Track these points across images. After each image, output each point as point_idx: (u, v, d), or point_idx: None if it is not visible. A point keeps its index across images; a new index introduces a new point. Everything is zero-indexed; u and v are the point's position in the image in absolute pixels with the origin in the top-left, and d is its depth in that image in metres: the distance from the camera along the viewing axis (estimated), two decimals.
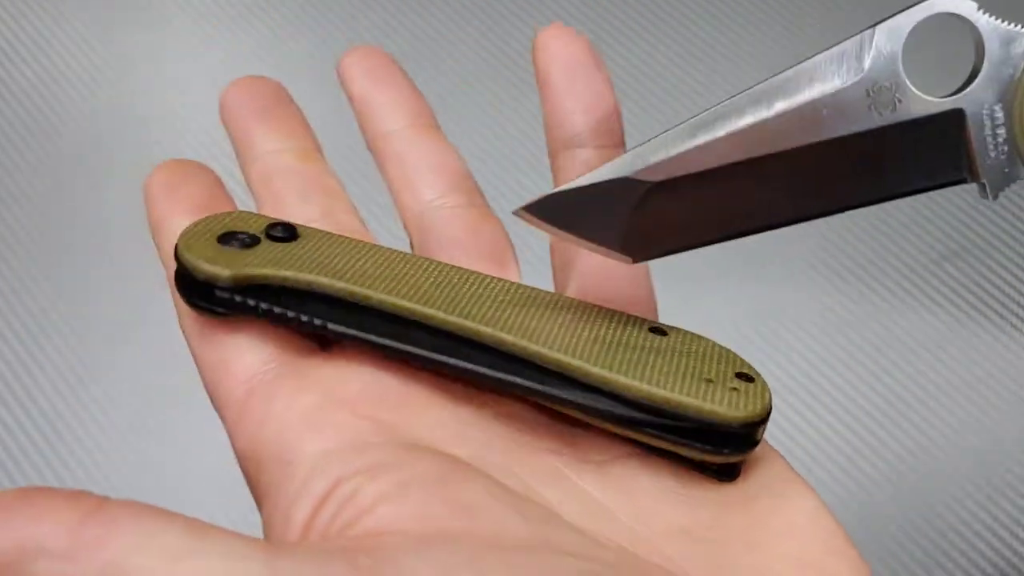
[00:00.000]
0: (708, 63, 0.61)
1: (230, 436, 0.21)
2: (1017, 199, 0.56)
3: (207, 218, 0.24)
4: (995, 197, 0.21)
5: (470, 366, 0.21)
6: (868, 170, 0.21)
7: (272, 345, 0.22)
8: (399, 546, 0.17)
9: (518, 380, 0.21)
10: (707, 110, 0.21)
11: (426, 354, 0.21)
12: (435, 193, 0.26)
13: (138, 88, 0.60)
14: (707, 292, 0.52)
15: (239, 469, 0.22)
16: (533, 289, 0.24)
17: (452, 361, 0.21)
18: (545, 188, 0.22)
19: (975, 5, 0.20)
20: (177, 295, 0.23)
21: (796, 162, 0.21)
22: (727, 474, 0.21)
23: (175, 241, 0.23)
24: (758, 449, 0.21)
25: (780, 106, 0.21)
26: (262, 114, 0.27)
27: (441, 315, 0.21)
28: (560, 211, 0.22)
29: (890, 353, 0.51)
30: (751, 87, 0.21)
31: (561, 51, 0.26)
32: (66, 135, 0.58)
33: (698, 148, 0.21)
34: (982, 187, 0.21)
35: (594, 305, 0.23)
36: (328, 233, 0.24)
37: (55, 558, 0.14)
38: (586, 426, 0.21)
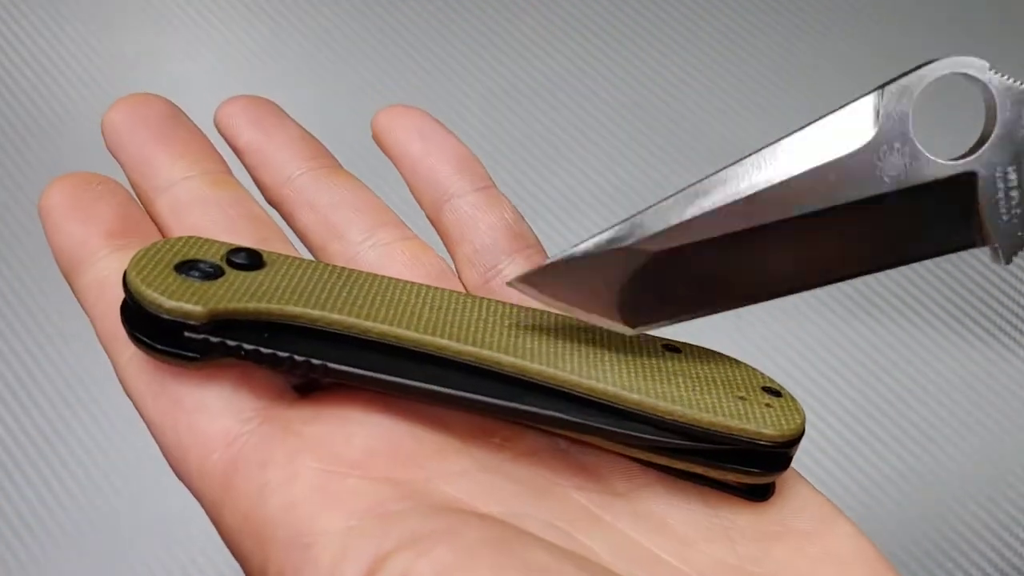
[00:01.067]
0: (712, 68, 0.61)
1: (211, 511, 0.19)
2: None
3: (154, 245, 0.20)
4: (1008, 261, 0.20)
5: (492, 400, 0.19)
6: (876, 236, 0.20)
7: (247, 396, 0.19)
8: None
9: (547, 412, 0.19)
10: (709, 176, 0.20)
11: (441, 390, 0.19)
12: (364, 233, 0.24)
13: (138, 88, 0.60)
14: None
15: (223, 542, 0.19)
16: (524, 308, 0.22)
17: (472, 396, 0.19)
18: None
19: (987, 64, 0.19)
20: (117, 347, 0.20)
21: (801, 230, 0.20)
22: (759, 495, 0.20)
23: (97, 276, 0.20)
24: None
25: (785, 172, 0.20)
26: (161, 137, 0.24)
27: (455, 345, 0.19)
28: (556, 281, 0.20)
29: (890, 354, 0.51)
30: (754, 151, 0.20)
31: (406, 122, 0.26)
32: (66, 135, 0.58)
33: (700, 216, 0.20)
34: (995, 251, 0.20)
35: None
36: (293, 257, 0.22)
37: None
38: (604, 453, 0.20)
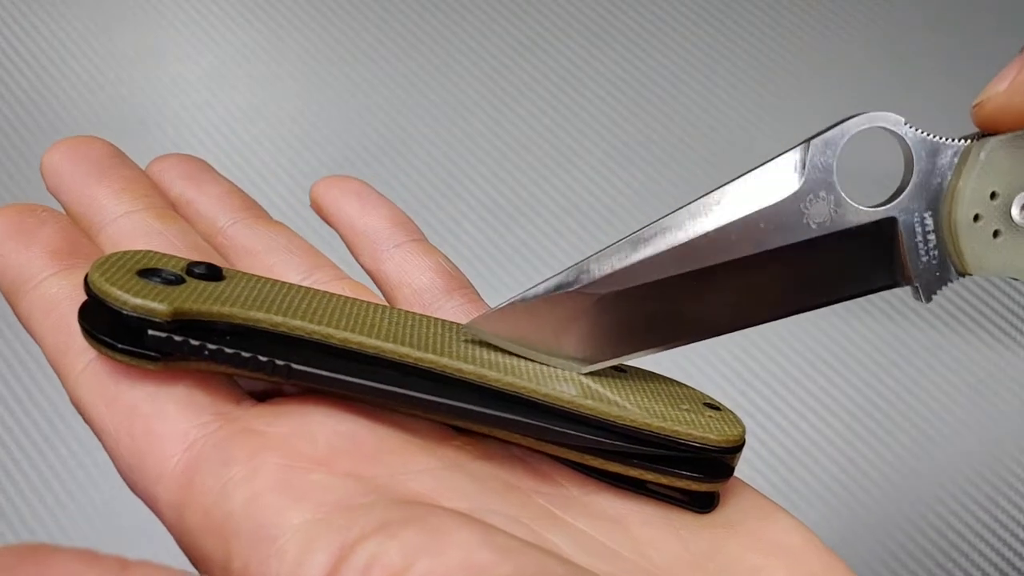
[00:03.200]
0: (712, 68, 0.61)
1: (169, 515, 0.19)
2: None
3: (115, 254, 0.20)
4: (928, 299, 0.21)
5: (453, 403, 0.20)
6: (808, 278, 0.22)
7: (205, 402, 0.19)
8: None
9: (508, 416, 0.20)
10: (650, 224, 0.22)
11: (403, 392, 0.20)
12: (302, 274, 0.25)
13: (138, 88, 0.60)
14: None
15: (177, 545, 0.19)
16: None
17: (433, 399, 0.20)
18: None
19: (903, 120, 0.21)
20: (68, 361, 0.20)
21: (736, 273, 0.21)
22: (704, 505, 0.21)
23: (45, 293, 0.20)
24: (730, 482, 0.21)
25: (719, 220, 0.21)
26: (103, 176, 0.24)
27: (415, 352, 0.20)
28: (508, 324, 0.22)
29: (890, 354, 0.51)
30: (691, 201, 0.21)
31: (343, 187, 0.27)
32: (66, 135, 0.58)
33: (641, 261, 0.21)
34: (915, 290, 0.22)
35: None
36: (252, 274, 0.22)
37: None
38: (557, 462, 0.21)
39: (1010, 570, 0.45)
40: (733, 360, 0.50)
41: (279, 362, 0.19)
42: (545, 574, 0.17)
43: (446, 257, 0.26)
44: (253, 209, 0.26)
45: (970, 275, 0.21)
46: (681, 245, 0.21)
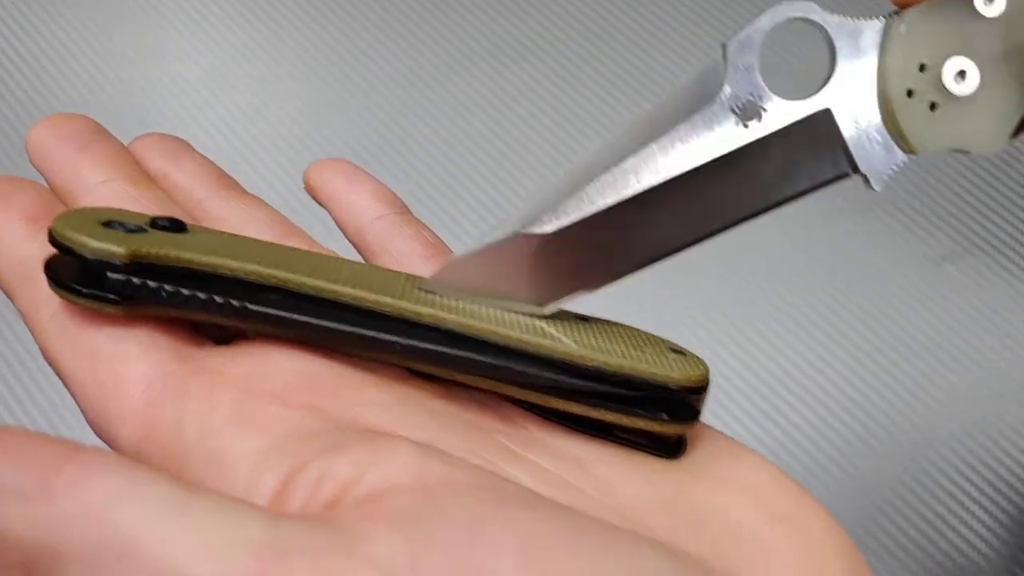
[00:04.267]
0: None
1: (129, 451, 0.19)
2: (1018, 200, 0.56)
3: (80, 208, 0.21)
4: (880, 187, 0.21)
5: (413, 343, 0.20)
6: (752, 183, 0.21)
7: (166, 345, 0.19)
8: (408, 504, 0.16)
9: (467, 355, 0.20)
10: (584, 155, 0.22)
11: (362, 332, 0.20)
12: (278, 242, 0.25)
13: (138, 88, 0.60)
14: (721, 301, 0.52)
15: None
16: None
17: (392, 339, 0.20)
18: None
19: (816, 6, 0.21)
20: (37, 313, 0.20)
21: (680, 190, 0.21)
22: (671, 451, 0.21)
23: (20, 254, 0.21)
24: (697, 429, 0.21)
25: (649, 139, 0.21)
26: (83, 148, 0.25)
27: (372, 296, 0.20)
28: (465, 273, 0.22)
29: (890, 353, 0.51)
30: (625, 126, 0.21)
31: (330, 167, 0.28)
32: None
33: (584, 193, 0.21)
34: (865, 179, 0.21)
35: None
36: (217, 230, 0.22)
37: (27, 499, 0.13)
38: (520, 406, 0.21)
39: (1004, 517, 0.45)
40: (728, 324, 0.50)
41: (235, 302, 0.19)
42: (496, 487, 0.17)
43: (429, 229, 0.27)
44: (229, 184, 0.27)
45: (916, 154, 0.21)
46: (617, 170, 0.21)
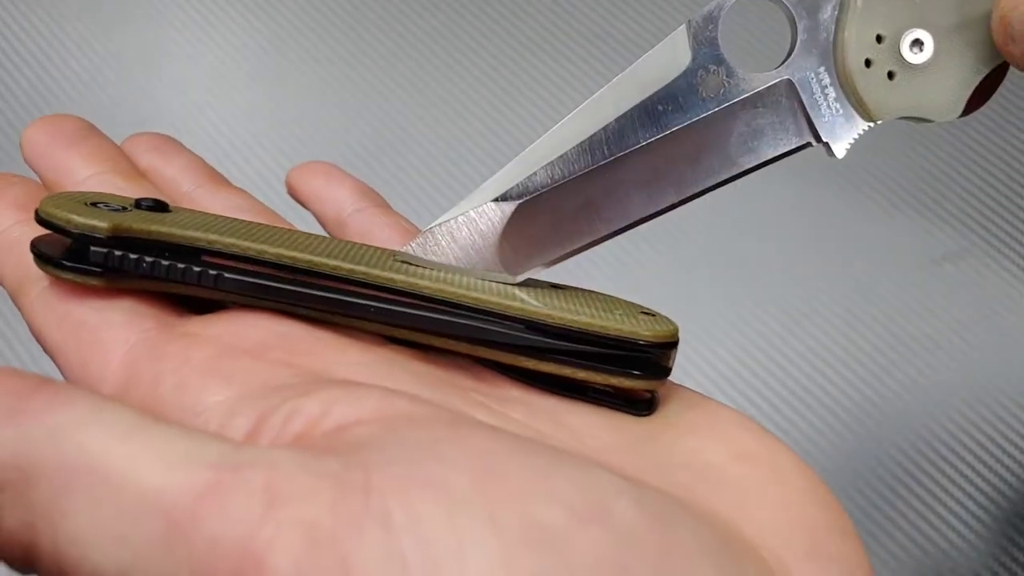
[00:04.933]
0: None
1: None
2: (1017, 199, 0.56)
3: (66, 191, 0.22)
4: (841, 154, 0.22)
5: (387, 306, 0.20)
6: (716, 152, 0.22)
7: (148, 314, 0.20)
8: (373, 433, 0.16)
9: (441, 317, 0.20)
10: (552, 129, 0.22)
11: (340, 297, 0.20)
12: None
13: (138, 88, 0.60)
14: (726, 324, 0.52)
15: None
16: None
17: (365, 303, 0.20)
18: None
19: None
20: (24, 290, 0.21)
21: (645, 159, 0.22)
22: (643, 409, 0.21)
23: (7, 238, 0.22)
24: (667, 388, 0.22)
25: (618, 110, 0.22)
26: (74, 145, 0.26)
27: (348, 265, 0.21)
28: (441, 246, 0.22)
29: (890, 354, 0.51)
30: (588, 99, 0.22)
31: (310, 169, 0.29)
32: None
33: (550, 164, 0.22)
34: (827, 148, 0.22)
35: None
36: (197, 210, 0.23)
37: None
38: (496, 370, 0.21)
39: (1002, 515, 0.45)
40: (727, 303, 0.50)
41: (211, 272, 0.20)
42: (456, 418, 0.17)
43: (407, 220, 0.27)
44: (216, 177, 0.28)
45: (877, 122, 0.22)
46: (585, 141, 0.22)
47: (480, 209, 0.22)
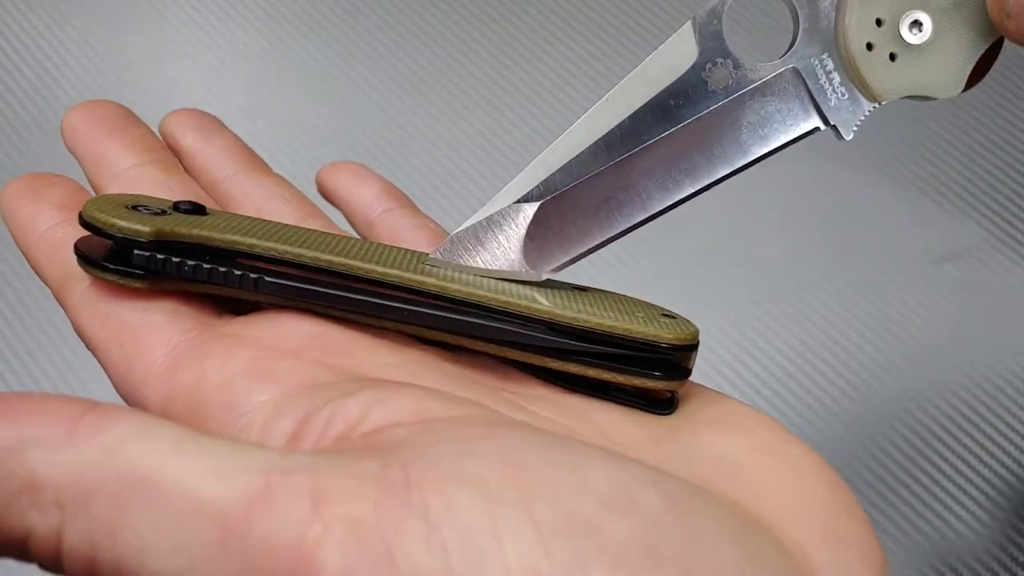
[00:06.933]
0: None
1: (155, 411, 0.20)
2: (1017, 199, 0.56)
3: (109, 194, 0.23)
4: (849, 136, 0.23)
5: (419, 309, 0.21)
6: (728, 142, 0.23)
7: (189, 315, 0.21)
8: (410, 434, 0.17)
9: (465, 319, 0.21)
10: (567, 130, 0.23)
11: (372, 300, 0.21)
12: (296, 221, 0.26)
13: (138, 88, 0.60)
14: (733, 322, 0.52)
15: None
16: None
17: (399, 306, 0.21)
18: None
19: None
20: (68, 289, 0.22)
21: (660, 153, 0.23)
22: (664, 408, 0.22)
23: (51, 237, 0.23)
24: (687, 387, 0.23)
25: (631, 108, 0.23)
26: (113, 133, 0.26)
27: (381, 268, 0.21)
28: (466, 249, 0.23)
29: (890, 354, 0.51)
30: (600, 100, 0.23)
31: (339, 168, 0.30)
32: None
33: (568, 165, 0.23)
34: (835, 130, 0.23)
35: None
36: (236, 213, 0.24)
37: (53, 447, 0.15)
38: (522, 370, 0.22)
39: (1001, 514, 0.45)
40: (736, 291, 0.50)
41: (252, 275, 0.21)
42: (488, 416, 0.18)
43: (434, 221, 0.28)
44: (256, 161, 0.29)
45: (882, 103, 0.23)
46: (600, 140, 0.23)
47: (503, 211, 0.23)
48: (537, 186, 0.23)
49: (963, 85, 0.23)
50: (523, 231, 0.23)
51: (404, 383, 0.19)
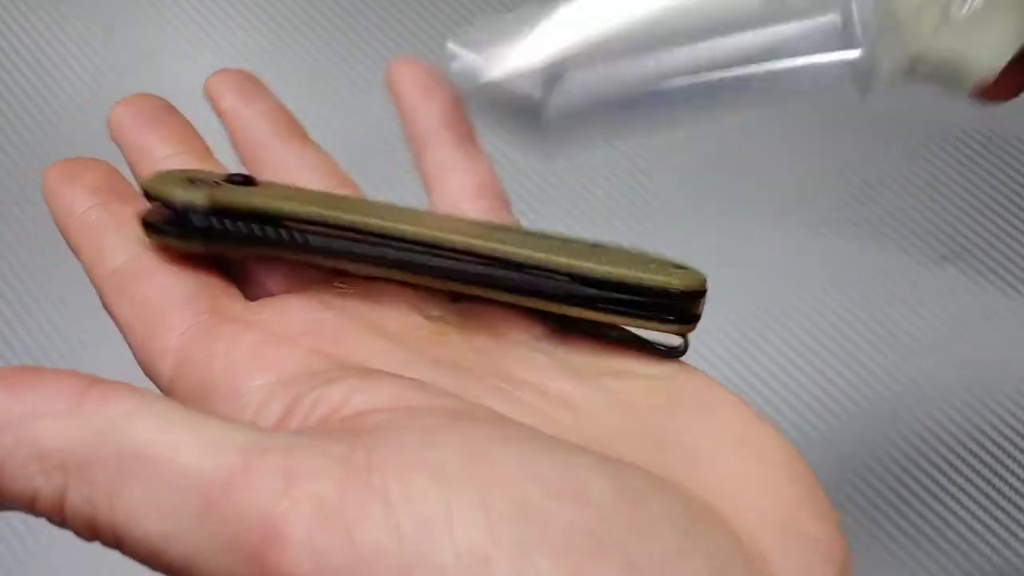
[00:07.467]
0: None
1: (167, 387, 0.22)
2: (1017, 199, 0.56)
3: (164, 170, 0.25)
4: (882, 87, 0.24)
5: (449, 266, 0.23)
6: (766, 56, 0.24)
7: (205, 299, 0.23)
8: (383, 420, 0.18)
9: (491, 272, 0.23)
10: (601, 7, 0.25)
11: (404, 256, 0.23)
12: (327, 189, 0.28)
13: (138, 88, 0.60)
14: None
15: None
16: (478, 220, 0.27)
17: (431, 263, 0.23)
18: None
19: None
20: (99, 268, 0.24)
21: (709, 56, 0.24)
22: (674, 353, 0.24)
23: (86, 219, 0.24)
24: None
25: (692, 25, 0.24)
26: (154, 124, 0.29)
27: (412, 228, 0.23)
28: (490, 40, 0.24)
29: (890, 354, 0.51)
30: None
31: (410, 74, 0.31)
32: (66, 135, 0.58)
33: (608, 41, 0.25)
34: (862, 85, 0.24)
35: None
36: (282, 184, 0.26)
37: (58, 417, 0.16)
38: (519, 346, 0.23)
39: (1000, 512, 0.45)
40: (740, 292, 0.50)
41: (297, 237, 0.23)
42: (459, 408, 0.19)
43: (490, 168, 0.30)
44: (295, 128, 0.30)
45: (918, 69, 0.23)
46: (648, 30, 0.24)
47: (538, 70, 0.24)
48: (581, 57, 0.24)
49: (1003, 64, 0.23)
50: (545, 93, 0.24)
51: (389, 373, 0.21)
